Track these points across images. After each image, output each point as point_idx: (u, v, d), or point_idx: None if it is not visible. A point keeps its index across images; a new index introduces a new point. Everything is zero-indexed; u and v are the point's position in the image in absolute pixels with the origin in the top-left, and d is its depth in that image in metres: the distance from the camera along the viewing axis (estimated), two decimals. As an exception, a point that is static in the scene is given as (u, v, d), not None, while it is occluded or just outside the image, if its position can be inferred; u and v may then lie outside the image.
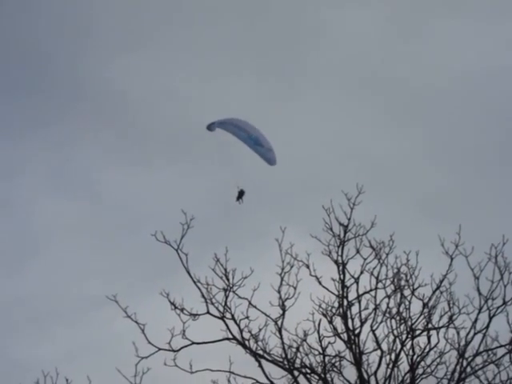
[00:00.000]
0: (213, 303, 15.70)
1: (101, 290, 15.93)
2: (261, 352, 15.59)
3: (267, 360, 15.57)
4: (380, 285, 15.68)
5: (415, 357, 15.37)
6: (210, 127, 18.84)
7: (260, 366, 15.54)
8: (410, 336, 15.42)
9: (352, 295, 15.64)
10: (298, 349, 15.45)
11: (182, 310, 15.61)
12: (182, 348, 15.62)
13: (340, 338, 15.47)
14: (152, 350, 15.56)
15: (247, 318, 15.66)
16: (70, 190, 35.17)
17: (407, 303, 15.62)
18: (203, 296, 15.70)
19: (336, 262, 15.79)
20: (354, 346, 15.34)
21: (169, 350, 15.59)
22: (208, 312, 15.74)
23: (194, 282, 15.74)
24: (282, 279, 15.76)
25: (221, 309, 15.68)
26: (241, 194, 19.19)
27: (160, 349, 15.56)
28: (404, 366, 15.38)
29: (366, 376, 15.23)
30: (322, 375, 15.33)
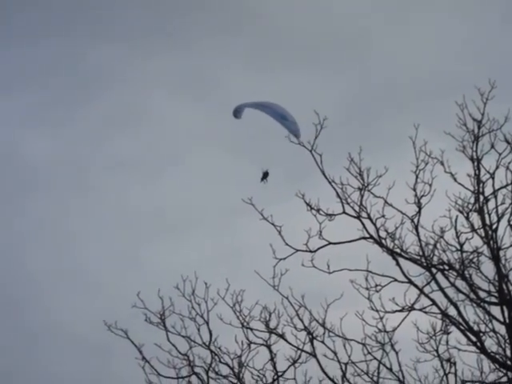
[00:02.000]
0: (348, 203, 15.96)
1: (237, 196, 16.45)
2: (398, 250, 15.81)
3: (404, 258, 15.79)
4: (516, 179, 15.50)
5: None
6: (237, 114, 19.57)
7: (397, 264, 15.79)
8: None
9: (488, 190, 15.59)
10: (435, 246, 15.61)
11: (317, 210, 15.92)
12: (319, 248, 15.99)
13: (477, 233, 15.52)
14: (289, 252, 16.04)
15: (383, 216, 15.88)
16: (201, 98, 35.83)
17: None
18: (338, 196, 15.96)
19: (471, 157, 15.74)
20: (491, 242, 15.36)
21: (306, 251, 16.01)
22: (344, 212, 16.01)
23: (329, 182, 16.00)
24: (416, 177, 15.87)
25: (356, 208, 15.92)
26: (265, 175, 19.70)
27: (297, 250, 16.00)
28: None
29: (504, 271, 15.26)
30: (460, 271, 15.48)
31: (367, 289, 15.76)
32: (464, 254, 15.52)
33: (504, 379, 15.15)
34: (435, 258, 15.61)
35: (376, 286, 15.75)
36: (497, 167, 15.65)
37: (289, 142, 16.12)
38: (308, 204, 15.94)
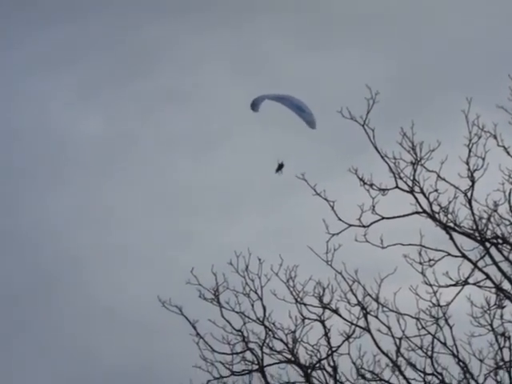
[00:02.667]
0: (401, 177, 15.95)
1: (290, 172, 16.54)
2: (451, 224, 15.80)
3: (458, 232, 15.78)
4: None
5: None
6: (254, 107, 20.00)
7: (451, 238, 15.78)
8: None
9: (542, 163, 15.42)
10: (488, 220, 15.57)
11: (370, 185, 15.94)
12: (372, 223, 16.05)
13: (531, 206, 15.40)
14: (342, 227, 16.10)
15: (436, 190, 15.87)
16: (251, 76, 35.88)
17: None
18: (391, 170, 15.96)
19: (524, 130, 15.59)
20: (545, 214, 15.25)
21: (359, 226, 16.06)
22: (397, 186, 16.01)
23: (382, 157, 15.99)
24: (469, 151, 15.81)
25: (409, 183, 15.92)
26: (280, 167, 19.96)
27: (350, 225, 16.06)
28: None
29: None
30: (515, 245, 15.38)
31: (421, 263, 15.79)
32: (518, 227, 15.40)
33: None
34: (489, 232, 15.57)
35: (429, 260, 15.77)
36: (550, 140, 15.49)
37: (341, 117, 16.08)
38: (361, 179, 15.97)
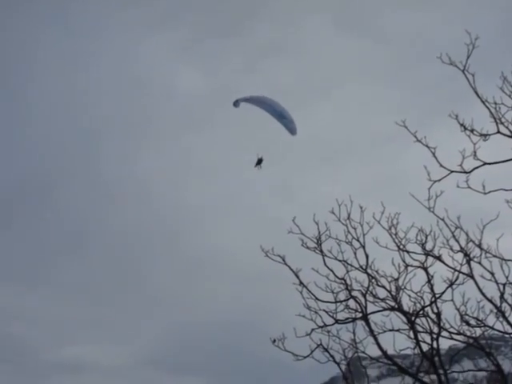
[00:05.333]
0: (502, 122, 15.73)
1: (390, 122, 16.47)
2: (555, 169, 15.50)
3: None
4: None
5: None
6: (236, 104, 21.33)
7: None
8: None
9: None
10: None
11: (471, 131, 15.78)
12: (473, 169, 15.94)
13: None
14: (444, 173, 16.04)
15: (540, 133, 15.54)
16: (353, 29, 35.64)
17: None
18: (492, 115, 15.74)
19: None
20: None
21: (460, 172, 15.98)
22: (498, 131, 15.82)
23: (482, 102, 15.78)
24: None
25: (511, 127, 15.65)
26: (259, 161, 21.99)
27: (452, 171, 15.98)
28: None
29: None
30: None
31: (524, 209, 15.59)
32: None
33: None
34: None
35: (533, 205, 15.55)
36: None
37: (441, 63, 15.90)
38: (462, 125, 15.80)
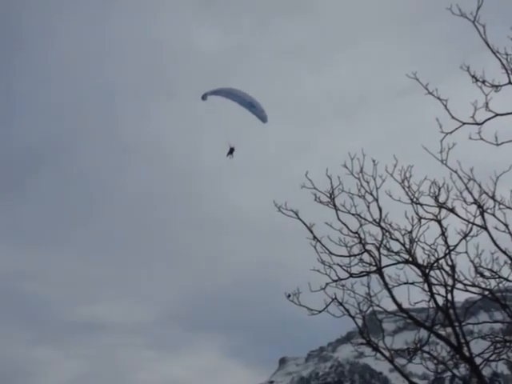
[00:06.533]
0: (514, 72, 15.59)
1: (403, 76, 16.37)
2: None
3: None
4: None
5: None
6: (204, 97, 22.41)
7: None
8: None
9: None
10: None
11: (483, 82, 15.71)
12: (485, 121, 15.94)
13: None
14: (456, 125, 15.99)
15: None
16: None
17: None
18: (503, 66, 15.67)
19: None
20: None
21: (472, 124, 15.94)
22: (510, 82, 15.75)
23: (494, 53, 15.68)
24: None
25: (523, 77, 15.56)
26: (231, 151, 23.30)
27: (464, 123, 15.96)
28: None
29: None
30: None
31: (537, 160, 15.59)
32: None
33: None
34: None
35: (545, 155, 15.54)
36: None
37: (451, 14, 15.78)
38: (473, 76, 15.74)
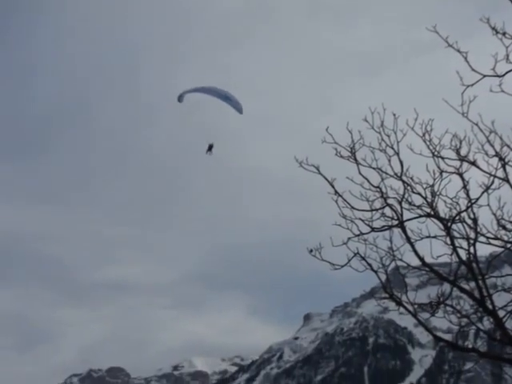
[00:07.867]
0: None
1: (423, 31, 16.22)
2: None
3: None
4: None
5: None
6: (180, 99, 24.22)
7: None
8: None
9: None
10: None
11: (503, 34, 15.55)
12: (507, 73, 15.81)
13: None
14: (476, 78, 15.89)
15: None
16: None
17: None
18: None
19: None
20: None
21: (493, 76, 15.83)
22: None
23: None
24: None
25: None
26: (210, 147, 25.63)
27: (484, 75, 15.86)
28: None
29: None
30: None
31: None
32: None
33: None
34: None
35: None
36: None
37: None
38: (493, 28, 15.58)
